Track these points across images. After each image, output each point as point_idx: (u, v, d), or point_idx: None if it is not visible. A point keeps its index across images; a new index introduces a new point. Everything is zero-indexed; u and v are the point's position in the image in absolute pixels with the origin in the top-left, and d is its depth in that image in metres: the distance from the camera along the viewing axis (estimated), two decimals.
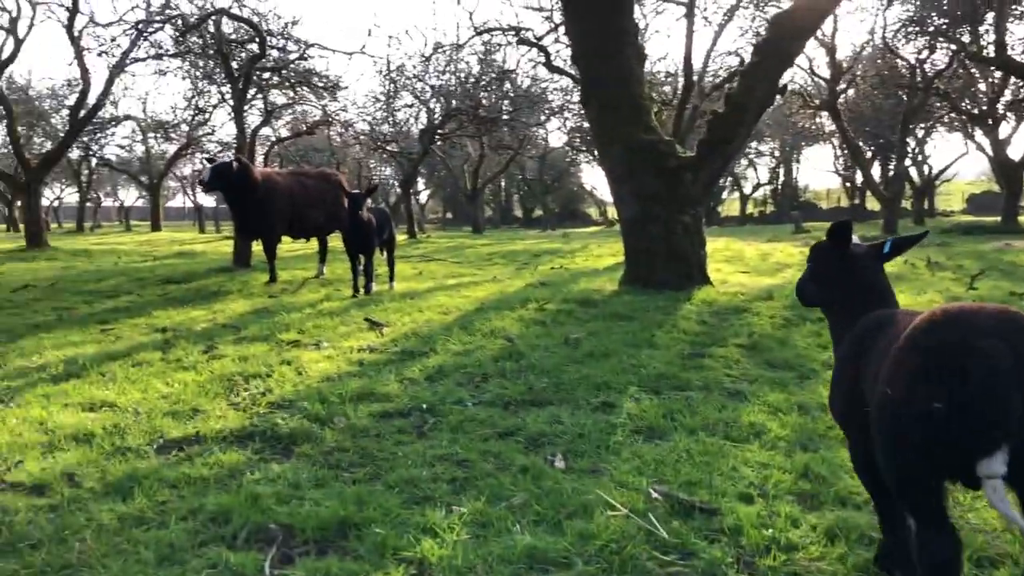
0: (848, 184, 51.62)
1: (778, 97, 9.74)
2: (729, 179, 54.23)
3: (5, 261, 18.36)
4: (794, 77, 31.79)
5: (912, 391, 2.27)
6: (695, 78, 21.39)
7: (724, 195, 57.89)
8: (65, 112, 33.67)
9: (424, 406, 5.34)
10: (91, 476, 4.16)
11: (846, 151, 37.22)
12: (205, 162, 13.23)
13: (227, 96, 24.14)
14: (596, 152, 11.54)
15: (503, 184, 67.51)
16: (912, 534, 2.42)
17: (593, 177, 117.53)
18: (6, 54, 22.71)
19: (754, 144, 50.33)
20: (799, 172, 60.81)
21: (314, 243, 16.14)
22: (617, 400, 5.38)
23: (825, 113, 30.50)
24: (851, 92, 31.46)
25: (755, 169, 58.78)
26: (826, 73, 28.17)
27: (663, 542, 3.38)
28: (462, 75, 29.43)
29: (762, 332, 7.44)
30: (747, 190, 57.95)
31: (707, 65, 23.94)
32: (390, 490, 3.95)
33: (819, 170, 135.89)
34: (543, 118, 35.40)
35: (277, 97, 26.30)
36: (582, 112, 22.35)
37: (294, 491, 3.94)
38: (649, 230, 9.39)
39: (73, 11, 21.34)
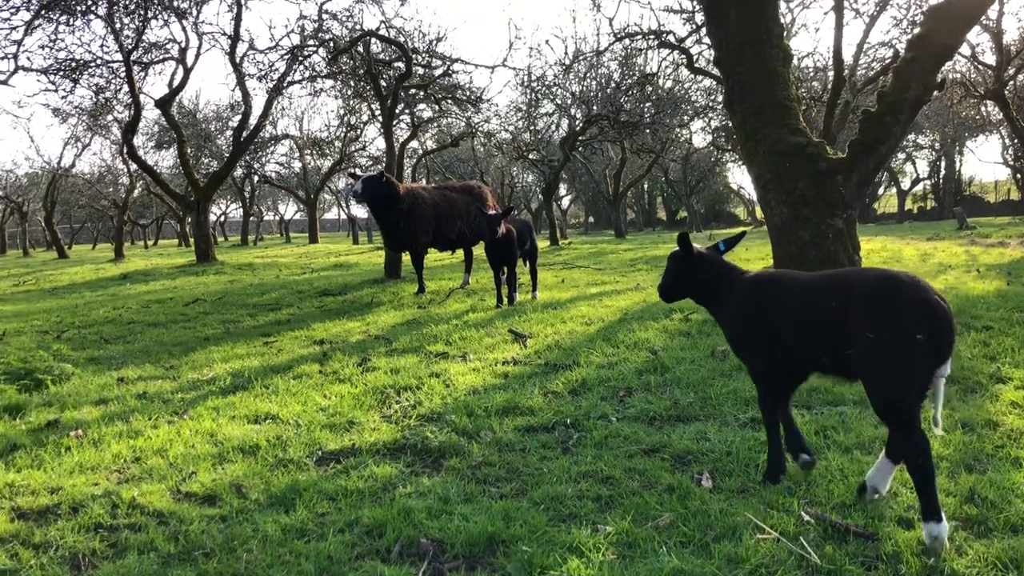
0: (1018, 175, 48.17)
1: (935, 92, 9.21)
2: (885, 174, 51.63)
3: (179, 275, 19.74)
4: (954, 65, 29.89)
5: (904, 332, 3.36)
6: (845, 73, 20.50)
7: (880, 191, 55.24)
8: (229, 133, 35.94)
9: (568, 421, 5.37)
10: (256, 487, 4.42)
11: (1015, 141, 34.69)
12: (351, 177, 13.78)
13: (376, 113, 25.10)
14: (742, 157, 11.25)
15: (645, 187, 66.93)
16: (900, 439, 3.48)
17: (740, 176, 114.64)
18: (176, 82, 24.36)
19: (912, 137, 47.76)
20: (963, 164, 56.94)
21: (460, 253, 16.50)
22: None
23: (991, 102, 28.54)
24: (1021, 78, 29.32)
25: (913, 163, 55.84)
26: (991, 60, 26.38)
27: (816, 568, 3.28)
28: (603, 80, 29.38)
29: None
30: (905, 185, 55.04)
31: (858, 58, 22.89)
32: (536, 507, 4.00)
33: (986, 161, 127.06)
34: (686, 119, 34.80)
35: (423, 111, 27.02)
36: (727, 111, 21.85)
37: (444, 505, 4.06)
38: (799, 236, 9.06)
39: (235, 39, 22.70)
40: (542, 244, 30.07)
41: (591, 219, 70.58)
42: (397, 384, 6.50)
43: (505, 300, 11.03)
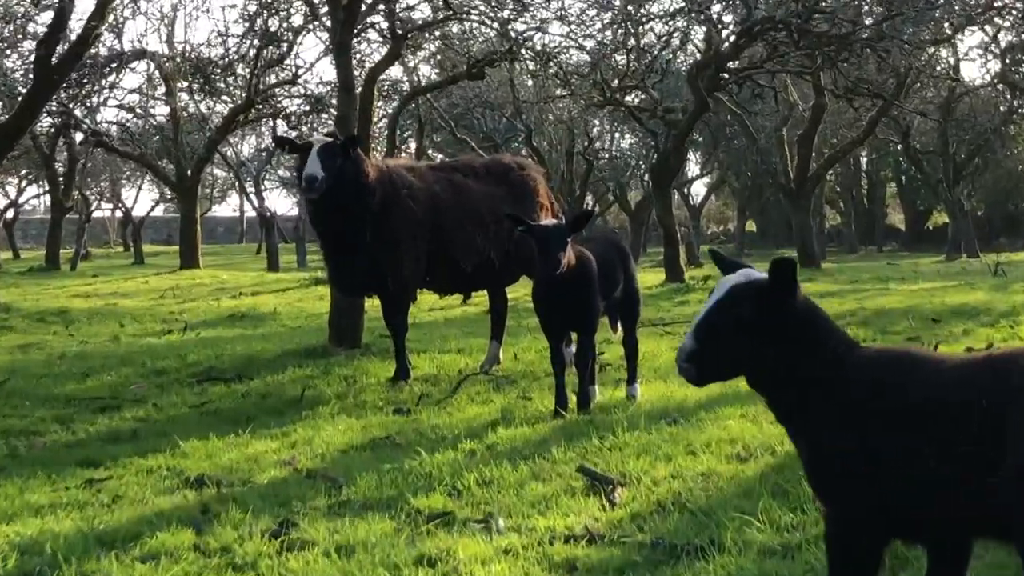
0: None
1: None
2: None
3: None
4: None
5: None
6: None
7: None
8: (28, 49, 36.33)
9: None
10: None
11: None
12: (278, 145, 13.90)
13: (322, 12, 25.33)
14: None
15: (864, 164, 66.95)
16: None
17: None
18: None
19: None
20: None
21: (481, 298, 16.58)
22: None
23: None
24: None
25: None
26: None
27: None
28: None
29: None
30: None
31: None
32: None
33: None
34: (948, 29, 34.81)
35: (415, 9, 27.25)
36: None
37: None
38: None
39: None
40: (651, 278, 30.08)
41: (750, 223, 70.78)
42: None
43: (573, 400, 10.98)
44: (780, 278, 4.44)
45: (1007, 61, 41.02)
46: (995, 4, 32.15)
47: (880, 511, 4.36)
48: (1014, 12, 31.85)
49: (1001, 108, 50.21)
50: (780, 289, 4.45)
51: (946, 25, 33.65)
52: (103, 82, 41.64)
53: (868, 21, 28.62)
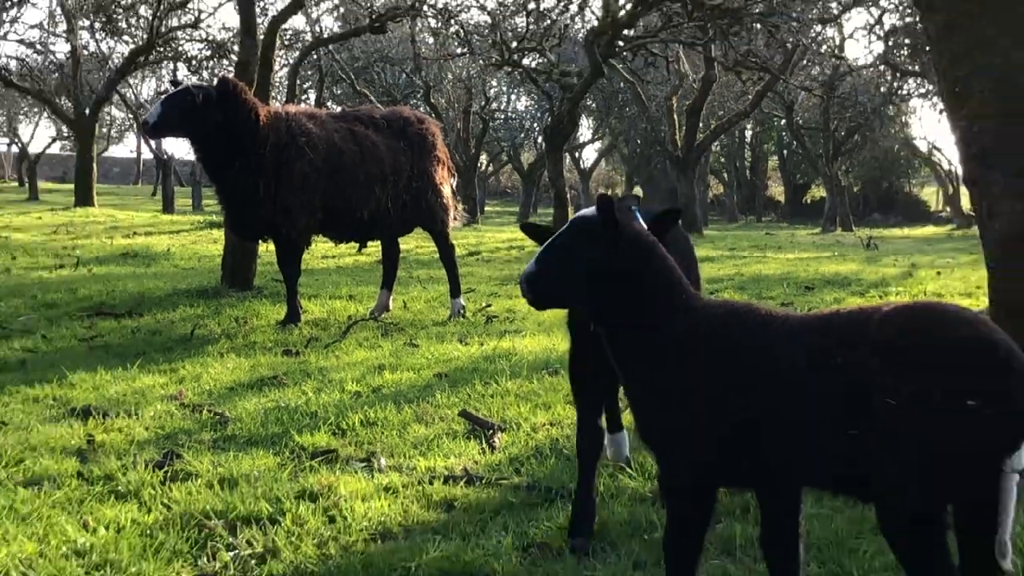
0: None
1: None
2: None
3: None
4: None
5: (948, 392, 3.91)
6: None
7: None
8: None
9: None
10: None
11: None
12: (160, 96, 13.77)
13: None
14: (940, 95, 11.34)
15: (748, 136, 67.55)
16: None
17: (934, 128, 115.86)
18: None
19: None
20: None
21: (374, 249, 16.52)
22: None
23: None
24: None
25: None
26: None
27: None
28: None
29: None
30: None
31: None
32: None
33: None
34: (835, 8, 35.15)
35: None
36: (913, 8, 22.15)
37: None
38: None
39: None
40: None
41: (638, 190, 71.00)
42: (231, 511, 6.45)
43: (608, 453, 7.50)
44: (605, 208, 4.53)
45: (890, 43, 41.49)
46: None
47: (713, 458, 4.45)
48: None
49: (882, 89, 50.85)
50: (605, 217, 4.53)
51: (833, 5, 34.02)
52: (3, 16, 41.08)
53: None
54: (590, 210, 4.65)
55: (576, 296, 4.76)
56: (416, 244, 16.09)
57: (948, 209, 58.67)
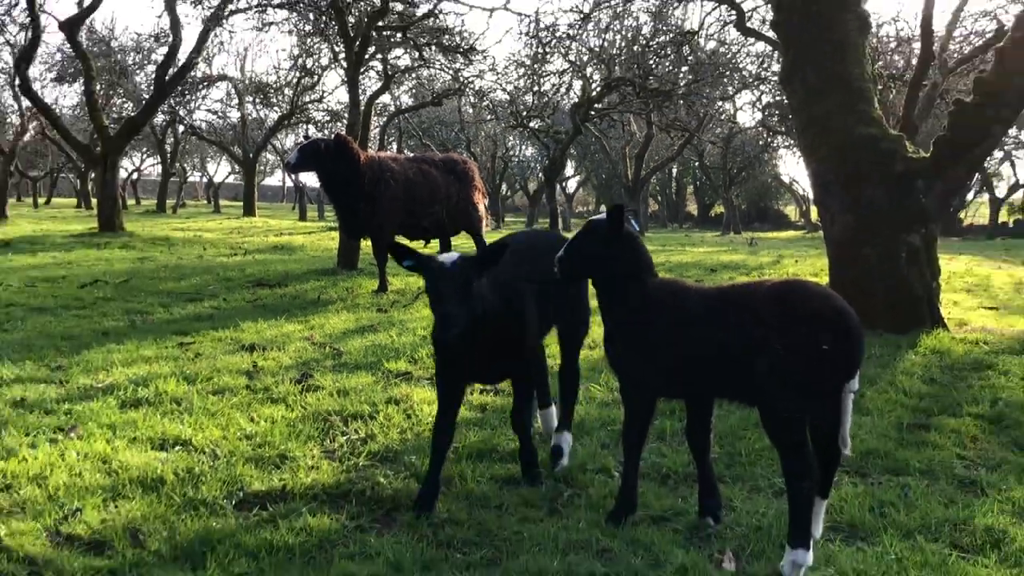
0: None
1: None
2: (977, 176, 51.86)
3: (75, 246, 19.64)
4: None
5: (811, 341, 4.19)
6: (935, 47, 20.61)
7: (969, 196, 55.26)
8: (151, 70, 35.67)
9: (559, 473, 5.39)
10: (158, 534, 4.40)
11: None
12: (303, 141, 13.84)
13: (340, 56, 25.03)
14: (799, 146, 11.30)
15: (674, 172, 67.19)
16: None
17: (794, 167, 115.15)
18: (87, 0, 24.14)
19: (1013, 132, 47.96)
20: None
21: (435, 243, 16.51)
22: None
23: None
24: None
25: (1012, 165, 55.89)
26: None
27: None
28: (629, 35, 29.41)
29: (1011, 399, 7.07)
30: (1001, 192, 55.17)
31: (953, 29, 23.00)
32: None
33: None
34: (731, 91, 34.93)
35: (399, 59, 27.02)
36: (783, 87, 22.00)
37: (395, 574, 4.05)
38: (864, 254, 9.11)
39: None
40: None
41: (602, 208, 70.74)
42: (345, 410, 6.51)
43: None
44: (615, 216, 4.62)
45: (766, 113, 41.28)
46: (761, 76, 32.36)
47: (660, 382, 4.64)
48: (771, 81, 32.04)
49: (760, 142, 50.60)
50: (612, 223, 4.62)
51: (731, 88, 33.81)
52: (198, 94, 41.08)
53: (682, 83, 28.71)
54: (600, 216, 4.74)
55: (589, 271, 4.83)
56: (461, 241, 16.08)
57: (803, 220, 58.31)
